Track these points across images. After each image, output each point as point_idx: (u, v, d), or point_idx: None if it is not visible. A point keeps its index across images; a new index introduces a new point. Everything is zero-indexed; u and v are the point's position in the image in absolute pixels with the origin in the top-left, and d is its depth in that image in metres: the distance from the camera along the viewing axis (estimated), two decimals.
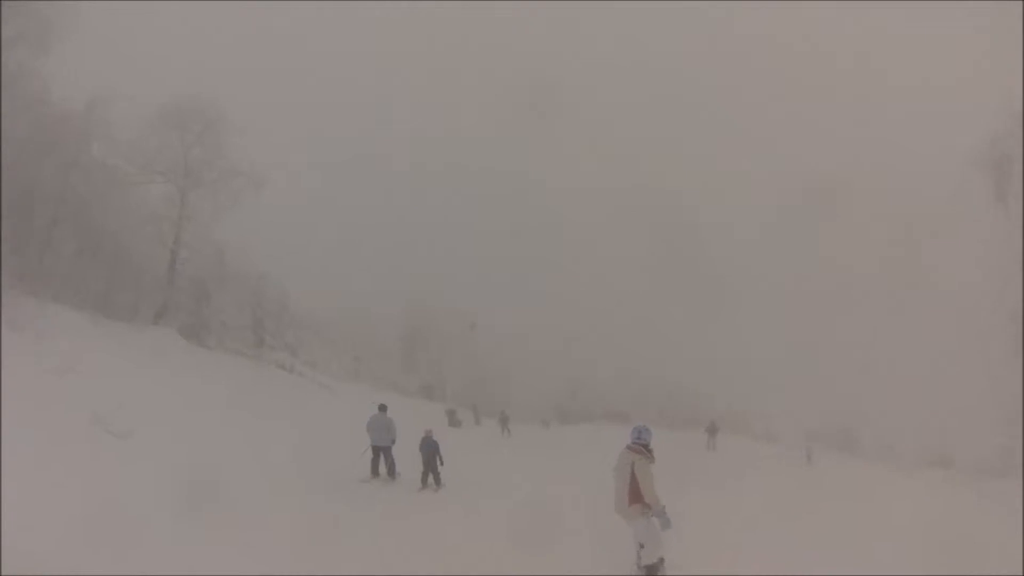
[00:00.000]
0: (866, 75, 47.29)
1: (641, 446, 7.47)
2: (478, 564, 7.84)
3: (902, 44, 45.28)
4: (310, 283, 41.12)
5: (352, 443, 14.47)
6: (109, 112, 23.30)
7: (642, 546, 7.28)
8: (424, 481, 13.60)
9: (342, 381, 37.70)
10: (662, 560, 7.24)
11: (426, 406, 40.05)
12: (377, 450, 14.01)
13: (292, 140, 45.28)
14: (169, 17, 43.66)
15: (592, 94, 55.71)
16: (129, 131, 24.61)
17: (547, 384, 50.73)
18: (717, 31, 52.71)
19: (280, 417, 19.19)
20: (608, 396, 49.36)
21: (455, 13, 51.85)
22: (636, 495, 7.16)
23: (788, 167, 43.21)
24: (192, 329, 25.85)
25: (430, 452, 13.63)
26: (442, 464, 13.68)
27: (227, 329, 28.20)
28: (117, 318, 22.64)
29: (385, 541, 9.22)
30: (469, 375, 48.96)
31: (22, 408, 10.24)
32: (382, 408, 14.66)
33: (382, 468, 14.07)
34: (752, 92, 51.38)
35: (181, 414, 15.04)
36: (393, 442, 14.08)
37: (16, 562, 5.79)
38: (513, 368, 51.06)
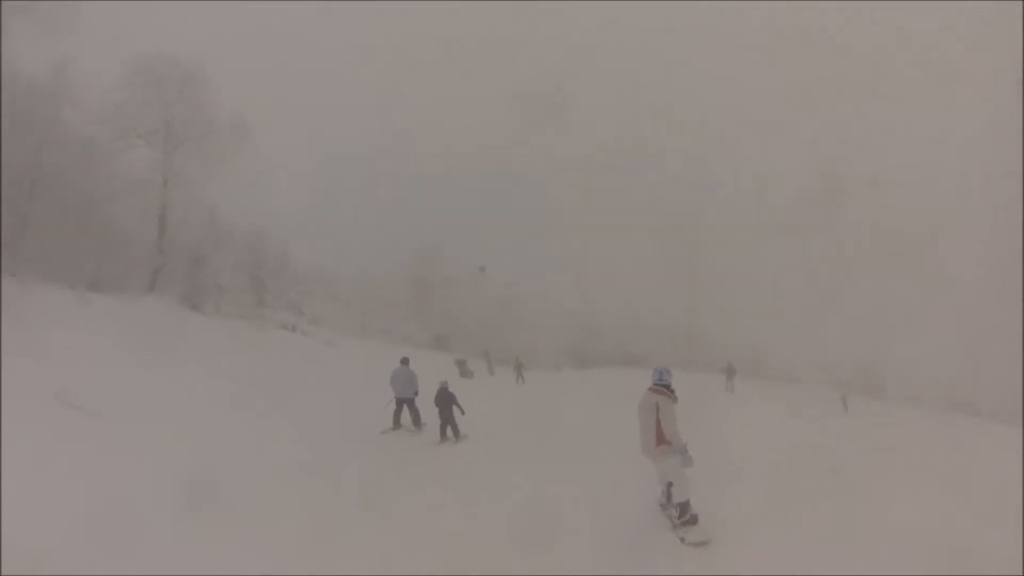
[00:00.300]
0: (868, 75, 46.62)
1: (663, 387, 7.59)
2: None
3: (903, 45, 45.10)
4: (312, 238, 40.67)
5: (363, 401, 14.63)
6: (78, 76, 22.12)
7: (670, 484, 7.46)
8: (443, 434, 13.57)
9: (350, 337, 37.60)
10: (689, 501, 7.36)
11: (439, 357, 40.10)
12: (400, 402, 14.40)
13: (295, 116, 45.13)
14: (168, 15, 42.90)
15: (592, 93, 54.19)
16: (103, 95, 23.43)
17: (561, 330, 50.37)
18: (719, 30, 51.98)
19: (282, 393, 18.43)
20: (624, 340, 48.96)
21: (458, 13, 51.99)
22: (662, 435, 7.29)
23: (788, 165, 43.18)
24: (187, 296, 25.38)
25: (447, 404, 13.58)
26: (462, 414, 13.68)
27: (225, 293, 27.72)
28: (109, 292, 22.21)
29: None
30: (481, 322, 48.71)
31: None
32: (404, 361, 15.00)
33: (405, 418, 14.49)
34: (754, 91, 50.51)
35: (172, 400, 14.21)
36: (416, 394, 14.45)
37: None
38: (525, 314, 50.82)
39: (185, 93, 26.01)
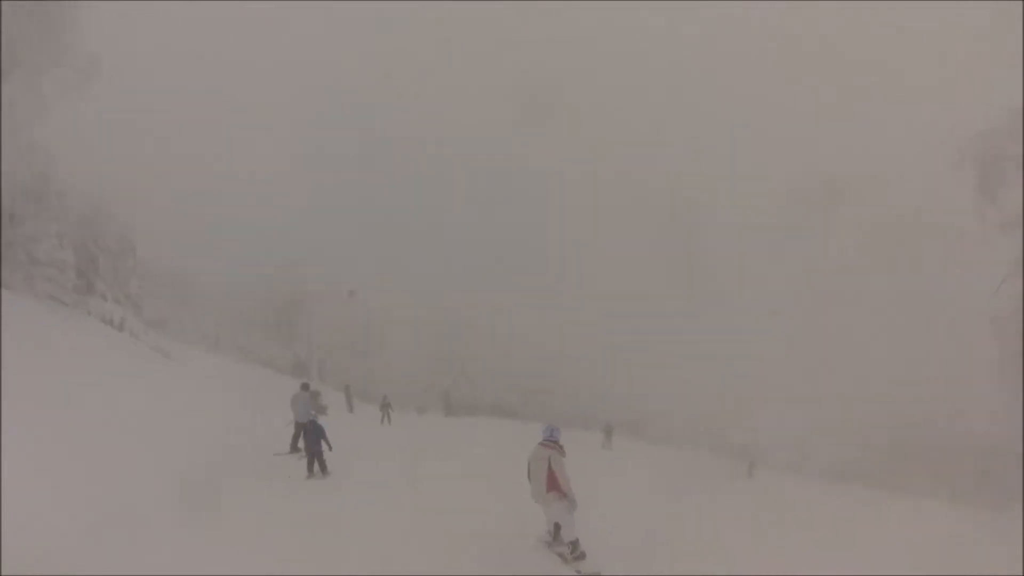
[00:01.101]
0: (867, 76, 47.28)
1: (553, 442, 8.53)
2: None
3: (902, 45, 45.56)
4: (172, 230, 34.84)
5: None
6: None
7: (557, 526, 8.59)
8: (310, 468, 12.91)
9: (197, 348, 31.68)
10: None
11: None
12: (300, 426, 14.39)
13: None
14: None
15: (594, 93, 55.60)
16: None
17: (428, 369, 46.84)
18: (719, 31, 52.68)
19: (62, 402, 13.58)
20: (493, 387, 46.38)
21: (459, 12, 50.45)
22: (552, 483, 8.23)
23: (788, 166, 43.07)
24: None
25: (315, 438, 12.96)
26: (330, 449, 13.06)
27: (39, 266, 21.67)
28: None
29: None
30: (348, 351, 43.97)
31: None
32: (304, 386, 15.52)
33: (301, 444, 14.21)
34: (753, 92, 51.65)
35: None
36: (320, 433, 13.79)
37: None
38: (395, 349, 46.78)
39: (32, 11, 20.65)
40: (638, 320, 45.35)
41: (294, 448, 14.67)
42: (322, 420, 13.65)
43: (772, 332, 39.76)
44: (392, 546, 8.37)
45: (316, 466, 12.91)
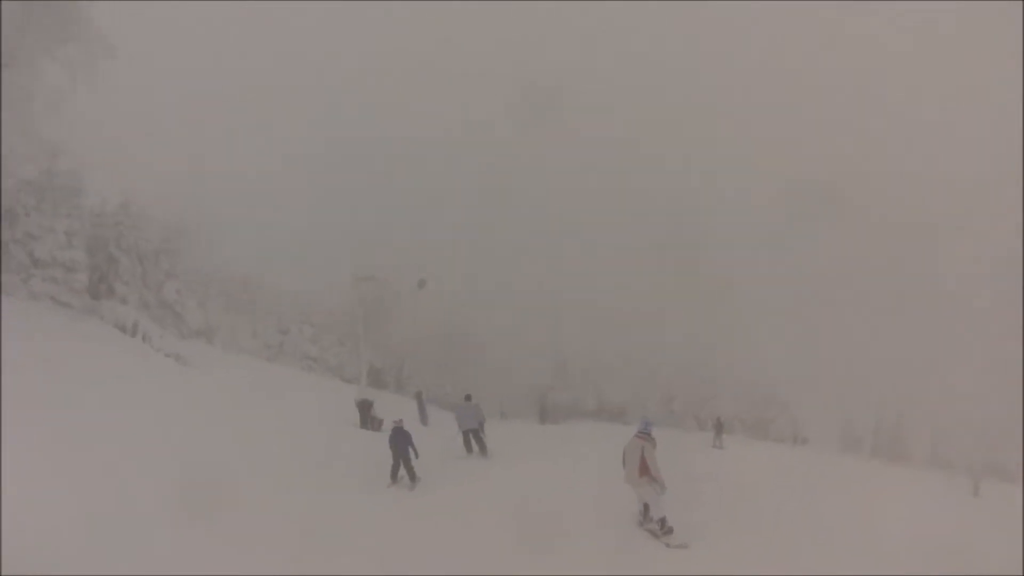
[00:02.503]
0: (868, 76, 48.87)
1: (646, 434, 10.07)
2: None
3: (903, 45, 46.43)
4: (224, 234, 32.62)
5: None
6: None
7: (647, 506, 9.99)
8: (394, 475, 12.69)
9: (247, 356, 28.94)
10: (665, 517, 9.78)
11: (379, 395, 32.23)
12: (467, 432, 16.05)
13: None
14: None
15: (592, 95, 54.36)
16: None
17: (525, 372, 42.01)
18: (720, 32, 52.47)
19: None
20: (601, 386, 40.75)
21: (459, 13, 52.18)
22: (644, 469, 9.71)
23: (789, 167, 43.48)
24: None
25: (402, 444, 12.75)
26: (416, 457, 12.81)
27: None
28: None
29: None
30: (428, 356, 40.23)
31: None
32: (468, 398, 17.17)
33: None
34: (754, 92, 53.76)
35: None
36: (481, 424, 16.19)
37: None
38: (484, 351, 42.42)
39: None
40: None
41: (469, 449, 16.05)
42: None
43: (772, 332, 38.96)
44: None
45: (401, 473, 12.63)
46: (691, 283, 39.34)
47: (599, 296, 44.67)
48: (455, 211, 46.27)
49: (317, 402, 22.80)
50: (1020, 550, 8.80)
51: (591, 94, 52.58)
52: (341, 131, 47.83)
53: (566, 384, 41.26)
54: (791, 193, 37.59)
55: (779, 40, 48.54)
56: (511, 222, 47.32)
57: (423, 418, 26.18)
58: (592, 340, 44.13)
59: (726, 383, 41.64)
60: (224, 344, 28.59)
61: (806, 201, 35.96)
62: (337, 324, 36.36)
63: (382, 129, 47.14)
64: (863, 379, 36.97)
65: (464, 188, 46.95)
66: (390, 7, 52.75)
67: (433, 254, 41.74)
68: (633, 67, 54.06)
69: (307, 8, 52.02)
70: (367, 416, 19.83)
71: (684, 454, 18.96)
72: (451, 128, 48.10)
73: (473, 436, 15.87)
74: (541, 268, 45.29)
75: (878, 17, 47.71)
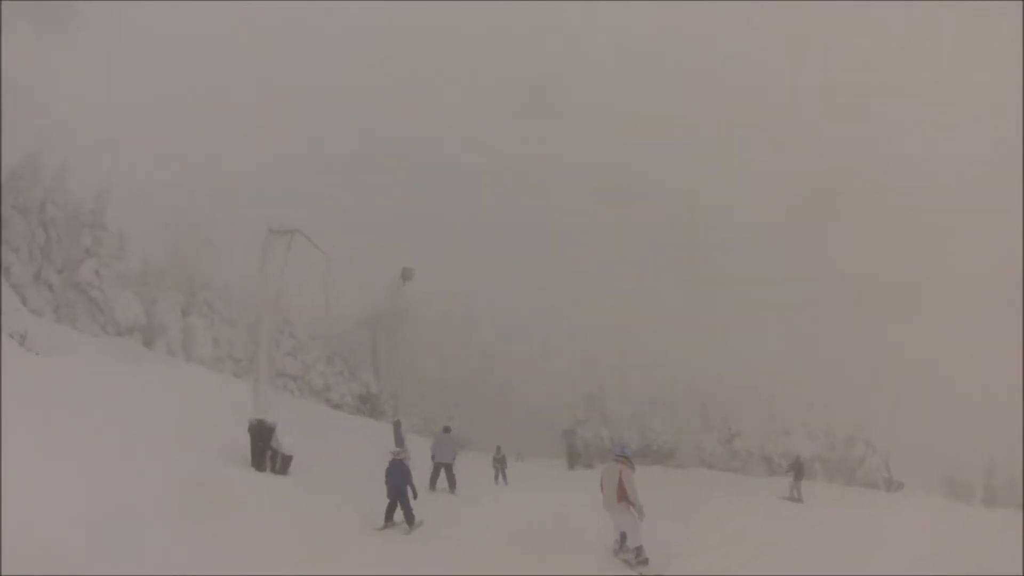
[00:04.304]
0: (868, 75, 46.85)
1: (624, 458, 9.64)
2: None
3: (903, 45, 45.72)
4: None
5: None
6: None
7: (624, 534, 9.50)
8: (389, 517, 10.91)
9: (202, 367, 23.08)
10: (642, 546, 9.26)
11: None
12: (439, 466, 15.34)
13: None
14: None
15: (590, 93, 54.69)
16: None
17: (553, 401, 35.10)
18: (720, 31, 52.16)
19: None
20: (644, 422, 33.41)
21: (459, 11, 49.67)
22: (622, 495, 9.22)
23: (790, 167, 42.11)
24: None
25: (399, 481, 10.90)
26: (415, 497, 11.07)
27: None
28: None
29: None
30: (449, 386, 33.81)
31: None
32: (446, 430, 17.08)
33: (441, 483, 15.32)
34: (755, 92, 50.64)
35: None
36: (454, 459, 15.67)
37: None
38: (511, 381, 35.92)
39: None
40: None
41: (433, 487, 14.91)
42: None
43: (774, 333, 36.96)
44: None
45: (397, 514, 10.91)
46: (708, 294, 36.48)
47: (624, 309, 40.17)
48: (456, 211, 43.61)
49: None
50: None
51: (590, 94, 53.39)
52: (341, 131, 46.55)
53: (600, 419, 34.06)
54: (792, 193, 36.73)
55: (779, 40, 47.82)
56: (512, 225, 44.75)
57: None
58: (629, 365, 37.48)
59: (796, 416, 34.10)
60: (171, 349, 22.80)
61: (807, 201, 34.42)
62: (330, 338, 30.60)
63: (382, 129, 45.03)
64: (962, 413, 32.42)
65: (464, 188, 44.58)
66: (390, 7, 50.48)
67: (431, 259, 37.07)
68: (634, 67, 53.85)
69: (307, 8, 49.97)
70: (263, 448, 12.74)
71: (747, 507, 16.55)
72: (451, 128, 46.14)
73: (445, 470, 15.39)
74: (555, 281, 40.86)
75: (878, 17, 48.32)
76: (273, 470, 12.70)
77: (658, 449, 33.74)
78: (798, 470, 20.58)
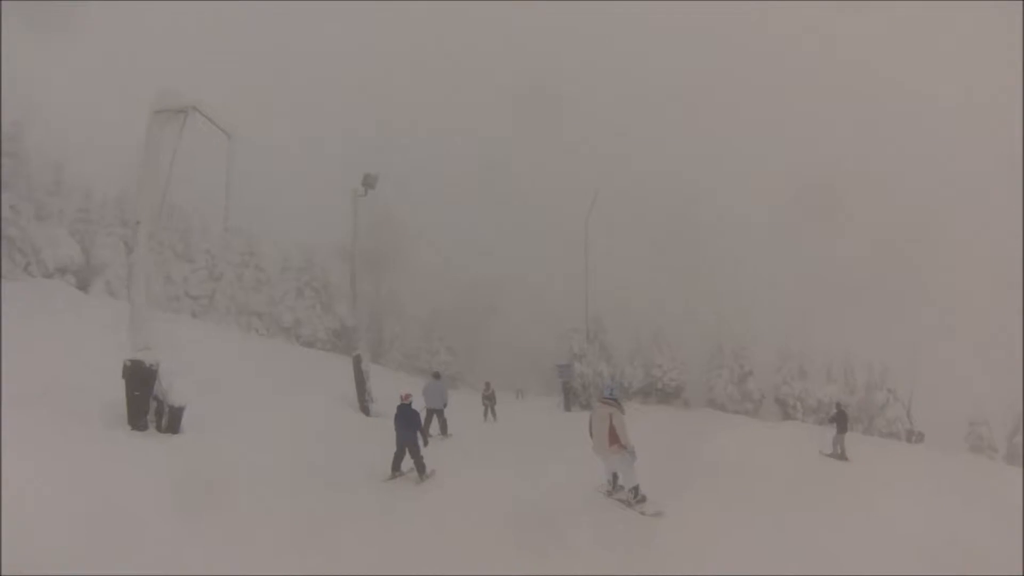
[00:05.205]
0: (869, 76, 46.66)
1: (613, 400, 9.29)
2: None
3: (904, 45, 45.54)
4: None
5: None
6: None
7: (615, 476, 9.36)
8: (396, 467, 10.09)
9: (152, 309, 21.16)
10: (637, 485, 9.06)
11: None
12: (431, 412, 14.65)
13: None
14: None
15: (592, 93, 56.07)
16: None
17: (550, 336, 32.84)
18: (721, 31, 52.63)
19: None
20: (648, 358, 31.01)
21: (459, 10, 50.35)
22: (613, 438, 8.92)
23: (790, 166, 41.48)
24: None
25: (409, 427, 10.00)
26: (425, 444, 10.34)
27: None
28: None
29: None
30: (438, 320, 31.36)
31: None
32: (436, 376, 16.70)
33: (434, 429, 14.47)
34: (755, 92, 50.95)
35: None
36: (445, 405, 15.14)
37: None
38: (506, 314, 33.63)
39: None
40: None
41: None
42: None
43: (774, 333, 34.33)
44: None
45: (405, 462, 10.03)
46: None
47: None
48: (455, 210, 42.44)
49: None
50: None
51: (591, 94, 53.55)
52: (340, 131, 45.38)
53: (600, 355, 31.51)
54: (794, 193, 36.77)
55: (779, 40, 47.43)
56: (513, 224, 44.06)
57: (360, 393, 17.86)
58: (632, 300, 35.06)
59: (815, 357, 31.20)
60: (111, 290, 20.81)
61: (808, 202, 34.57)
62: (302, 269, 28.21)
63: (380, 130, 44.25)
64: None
65: (465, 188, 44.28)
66: (391, 8, 50.58)
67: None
68: (634, 67, 53.17)
69: (307, 8, 51.12)
70: (142, 399, 9.95)
71: (782, 463, 13.44)
72: (450, 129, 46.56)
73: (436, 416, 15.05)
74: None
75: (879, 17, 47.41)
76: (159, 428, 10.16)
77: (663, 387, 31.42)
78: (841, 421, 17.24)
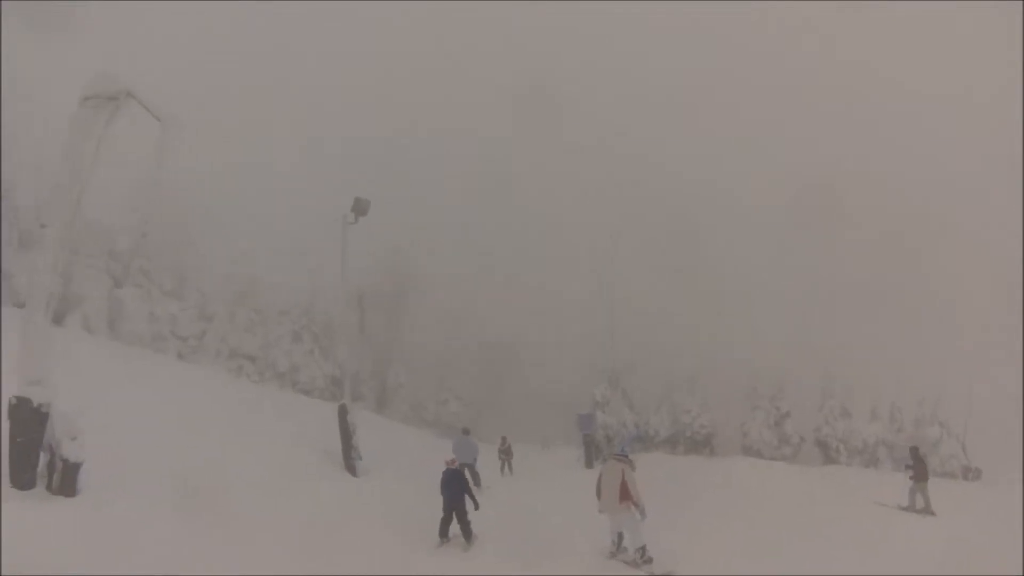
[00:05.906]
0: (869, 76, 45.81)
1: (624, 457, 9.48)
2: None
3: (903, 45, 44.78)
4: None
5: None
6: None
7: (621, 535, 9.30)
8: (444, 533, 9.94)
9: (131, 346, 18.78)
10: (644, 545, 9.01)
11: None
12: (461, 467, 12.40)
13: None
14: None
15: (592, 94, 54.35)
16: None
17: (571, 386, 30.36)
18: (721, 31, 51.68)
19: None
20: (675, 404, 28.56)
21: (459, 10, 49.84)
22: (624, 495, 8.92)
23: (790, 168, 40.41)
24: None
25: (457, 490, 9.98)
26: (476, 507, 10.16)
27: None
28: None
29: None
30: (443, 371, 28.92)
31: None
32: (465, 431, 16.96)
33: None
34: (755, 92, 49.42)
35: None
36: (475, 460, 15.49)
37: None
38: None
39: None
40: None
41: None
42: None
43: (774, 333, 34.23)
44: None
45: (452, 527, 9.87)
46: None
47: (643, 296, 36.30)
48: (455, 210, 41.76)
49: None
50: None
51: (590, 94, 52.69)
52: (340, 132, 44.37)
53: (623, 400, 29.08)
54: (795, 193, 35.45)
55: (779, 41, 47.20)
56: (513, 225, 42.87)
57: (345, 449, 15.32)
58: (654, 343, 33.07)
59: (856, 390, 29.06)
60: (89, 325, 18.53)
61: (809, 202, 33.80)
62: (302, 312, 25.95)
63: (380, 130, 43.81)
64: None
65: (464, 188, 42.15)
66: (391, 8, 49.61)
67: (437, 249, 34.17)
68: (635, 66, 51.87)
69: (307, 8, 49.67)
70: (27, 447, 7.78)
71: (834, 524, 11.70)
72: (450, 128, 45.40)
73: (468, 469, 14.10)
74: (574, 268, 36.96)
75: (879, 17, 46.10)
76: (49, 487, 7.96)
77: (693, 435, 28.86)
78: (920, 469, 14.78)
